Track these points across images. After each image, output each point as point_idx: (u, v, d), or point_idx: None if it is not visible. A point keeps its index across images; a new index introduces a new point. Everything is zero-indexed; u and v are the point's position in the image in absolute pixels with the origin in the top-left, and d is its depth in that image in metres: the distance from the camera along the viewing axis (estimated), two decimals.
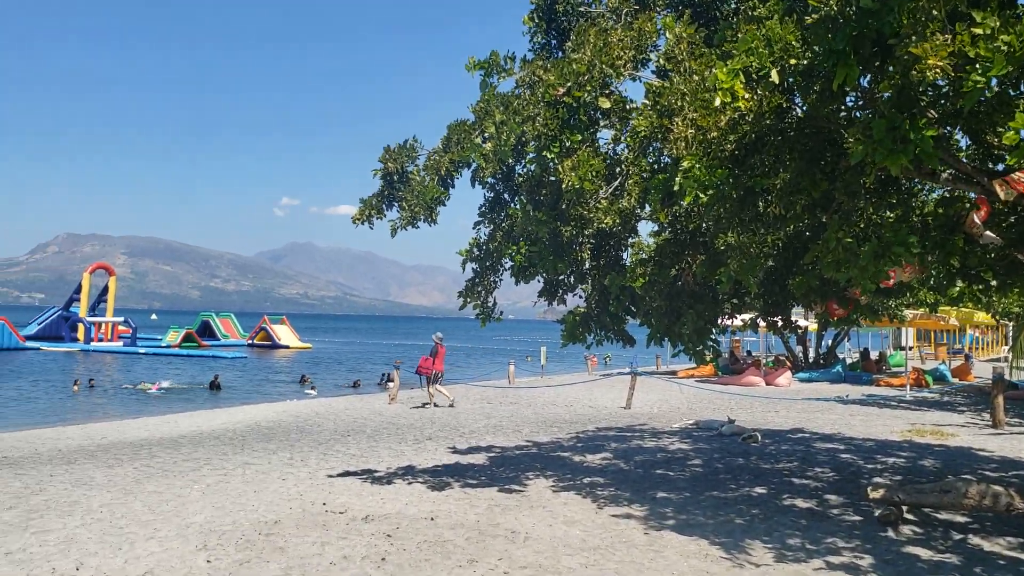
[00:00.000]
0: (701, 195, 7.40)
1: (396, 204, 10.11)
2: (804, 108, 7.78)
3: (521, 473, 12.32)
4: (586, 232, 9.77)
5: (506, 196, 10.73)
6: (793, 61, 6.89)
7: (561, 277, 10.84)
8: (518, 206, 10.12)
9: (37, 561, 7.70)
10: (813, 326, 32.48)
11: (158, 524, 9.16)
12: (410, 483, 11.57)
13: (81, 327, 62.58)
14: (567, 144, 8.66)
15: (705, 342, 9.91)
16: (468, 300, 10.83)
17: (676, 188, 7.57)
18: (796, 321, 11.85)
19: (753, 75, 6.95)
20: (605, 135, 9.61)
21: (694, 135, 7.52)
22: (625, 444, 15.69)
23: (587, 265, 10.62)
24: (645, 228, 11.66)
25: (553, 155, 8.65)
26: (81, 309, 64.90)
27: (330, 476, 12.19)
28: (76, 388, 32.41)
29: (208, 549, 8.07)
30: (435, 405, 23.07)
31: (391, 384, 26.35)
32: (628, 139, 8.97)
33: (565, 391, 28.16)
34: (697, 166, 7.40)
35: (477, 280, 10.78)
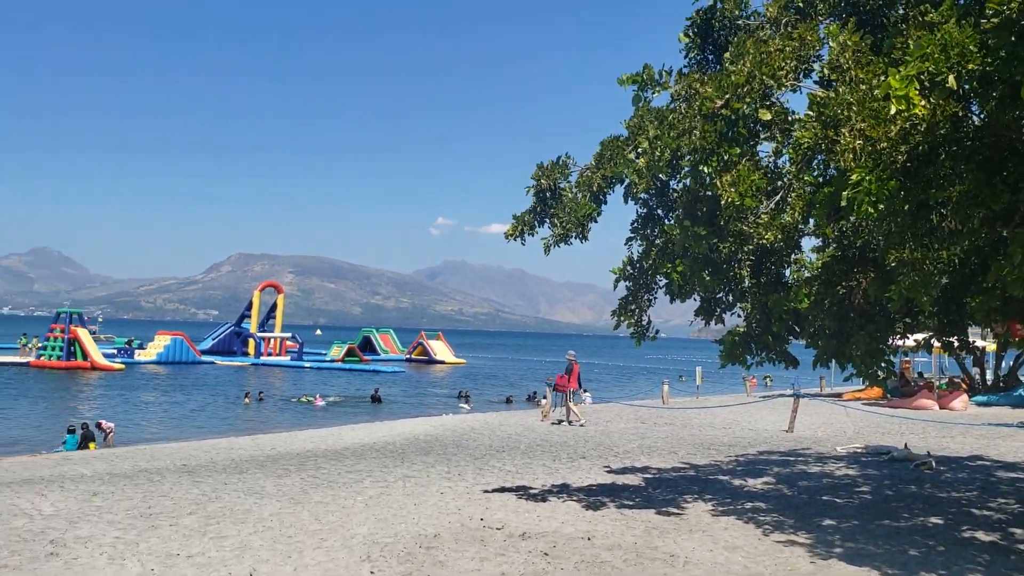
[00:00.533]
0: (871, 209, 7.03)
1: (548, 220, 10.16)
2: (982, 116, 7.29)
3: (678, 496, 12.06)
4: (745, 249, 9.49)
5: (659, 212, 10.56)
6: (971, 66, 6.47)
7: (719, 295, 10.57)
8: (673, 222, 9.95)
9: (215, 565, 8.13)
10: (991, 346, 30.36)
11: (324, 534, 9.50)
12: (565, 501, 11.54)
13: (252, 342, 66.23)
14: (725, 158, 8.44)
15: (878, 363, 9.41)
16: (622, 318, 10.72)
17: (844, 202, 7.22)
18: (974, 341, 11.09)
19: (926, 82, 6.58)
20: (765, 148, 9.32)
21: (863, 146, 7.17)
22: (788, 469, 15.10)
23: (746, 283, 10.29)
24: (807, 244, 11.23)
25: (711, 170, 8.44)
26: (252, 325, 68.70)
27: (486, 491, 12.32)
28: (247, 401, 34.22)
29: (372, 561, 8.30)
30: (569, 423, 23.15)
31: (544, 401, 26.47)
32: (790, 152, 8.64)
33: (722, 412, 27.45)
34: (867, 178, 7.04)
35: (631, 298, 10.65)
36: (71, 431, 20.81)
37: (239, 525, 9.97)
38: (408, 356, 74.04)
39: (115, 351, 56.84)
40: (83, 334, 49.83)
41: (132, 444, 21.31)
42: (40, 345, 50.87)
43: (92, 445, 20.46)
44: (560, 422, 23.32)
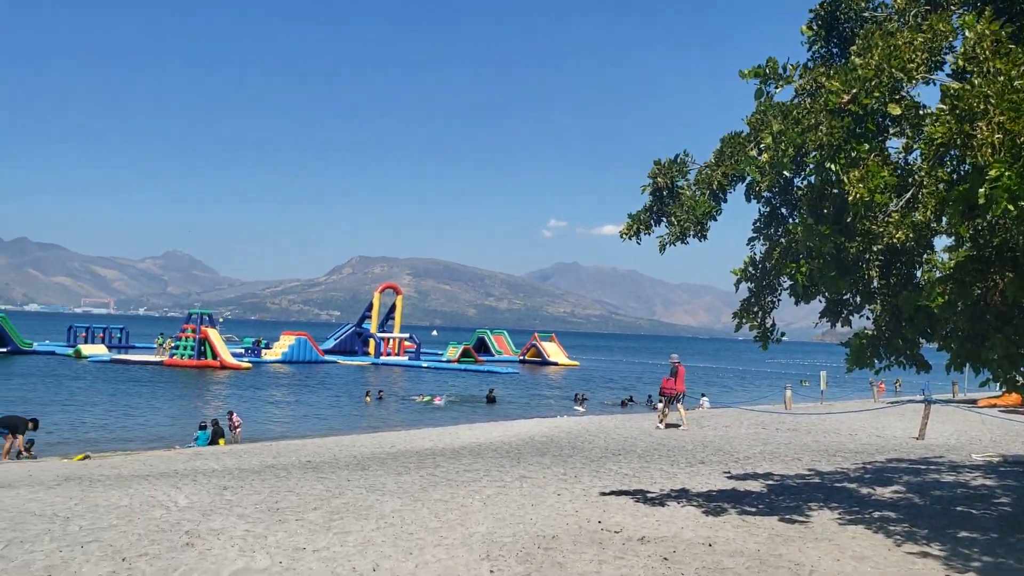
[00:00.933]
0: (1011, 206, 6.66)
1: (665, 219, 10.01)
2: None
3: (803, 503, 11.70)
4: (874, 248, 9.11)
5: (783, 211, 10.26)
6: None
7: (846, 296, 10.20)
8: (797, 221, 9.66)
9: (339, 560, 8.36)
10: None
11: (444, 532, 9.64)
12: (684, 506, 11.36)
13: (372, 342, 67.94)
14: (853, 154, 8.15)
15: (1018, 368, 8.90)
16: (743, 321, 10.47)
17: (981, 200, 6.86)
18: None
19: None
20: (895, 144, 8.95)
21: (1002, 140, 6.81)
22: (919, 477, 14.46)
23: (875, 284, 9.89)
24: (939, 243, 10.69)
25: (838, 166, 8.16)
26: (372, 326, 70.54)
27: (603, 494, 12.26)
28: (368, 399, 35.14)
29: (491, 560, 8.38)
30: (675, 426, 22.94)
31: (660, 405, 26.20)
32: (922, 147, 8.26)
33: (848, 418, 26.52)
34: (1007, 174, 6.68)
35: (753, 300, 10.39)
36: (202, 427, 21.84)
37: (362, 521, 10.22)
38: (522, 357, 74.53)
39: (243, 350, 59.31)
40: (213, 334, 52.23)
41: (259, 440, 22.20)
42: (173, 345, 53.54)
43: (222, 441, 21.43)
44: (672, 426, 23.16)
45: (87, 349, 58.01)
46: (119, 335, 68.65)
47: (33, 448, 18.68)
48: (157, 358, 53.68)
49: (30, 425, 18.85)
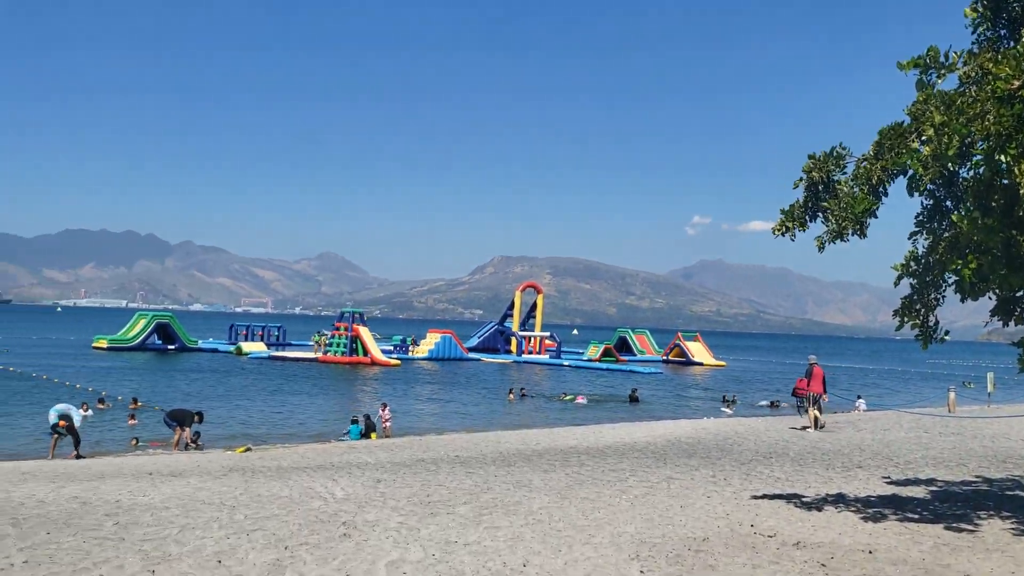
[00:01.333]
0: None
1: (820, 215, 9.67)
2: None
3: (971, 511, 11.05)
4: None
5: (948, 204, 9.73)
6: None
7: (1019, 293, 9.58)
8: (962, 214, 9.13)
9: (490, 554, 8.51)
10: None
11: (592, 530, 9.66)
12: (841, 511, 10.95)
13: (514, 340, 68.70)
14: None
15: None
16: (905, 319, 9.99)
17: None
18: None
19: None
20: None
21: None
22: None
23: None
24: None
25: (1009, 157, 7.68)
26: (514, 324, 71.37)
27: (755, 497, 11.97)
28: (511, 397, 35.55)
29: (641, 560, 8.33)
30: (812, 428, 22.12)
31: (809, 407, 25.35)
32: None
33: (1020, 423, 24.87)
34: None
35: (915, 297, 9.90)
36: (354, 421, 22.67)
37: (510, 517, 10.37)
38: (664, 357, 73.57)
39: (392, 348, 61.18)
40: (364, 332, 54.11)
41: (408, 435, 22.84)
42: (327, 342, 55.77)
43: (373, 435, 22.16)
44: (804, 428, 22.51)
45: (247, 346, 61.19)
46: (277, 333, 71.94)
47: (200, 440, 19.86)
48: (312, 355, 56.01)
49: (196, 418, 20.04)
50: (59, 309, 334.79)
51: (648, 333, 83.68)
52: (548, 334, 71.56)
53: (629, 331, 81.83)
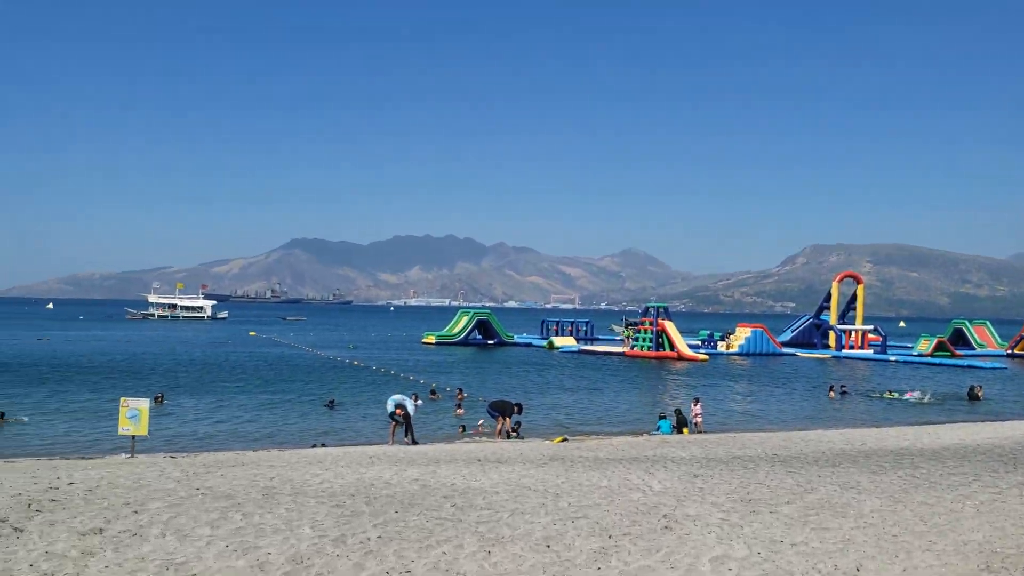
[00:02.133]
0: None
1: None
2: None
3: None
4: None
5: None
6: None
7: None
8: None
9: (819, 556, 8.10)
10: None
11: (932, 537, 8.89)
12: None
13: (832, 334, 65.07)
14: None
15: None
16: None
17: None
18: None
19: None
20: None
21: None
22: None
23: None
24: None
25: None
26: (831, 317, 67.59)
27: None
28: (832, 394, 33.73)
29: (992, 572, 7.53)
30: None
31: None
32: None
33: None
34: None
35: None
36: (662, 416, 22.68)
37: (839, 519, 9.82)
38: (1010, 351, 66.01)
39: (699, 342, 60.52)
40: (670, 326, 53.99)
41: (720, 431, 22.44)
42: (633, 337, 56.35)
43: (685, 430, 22.03)
44: None
45: (558, 341, 63.62)
46: (585, 328, 73.97)
47: (520, 429, 20.88)
48: (620, 349, 56.86)
49: (516, 409, 21.11)
50: (392, 308, 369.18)
51: (989, 324, 75.82)
52: (871, 327, 67.04)
53: (966, 322, 74.66)
